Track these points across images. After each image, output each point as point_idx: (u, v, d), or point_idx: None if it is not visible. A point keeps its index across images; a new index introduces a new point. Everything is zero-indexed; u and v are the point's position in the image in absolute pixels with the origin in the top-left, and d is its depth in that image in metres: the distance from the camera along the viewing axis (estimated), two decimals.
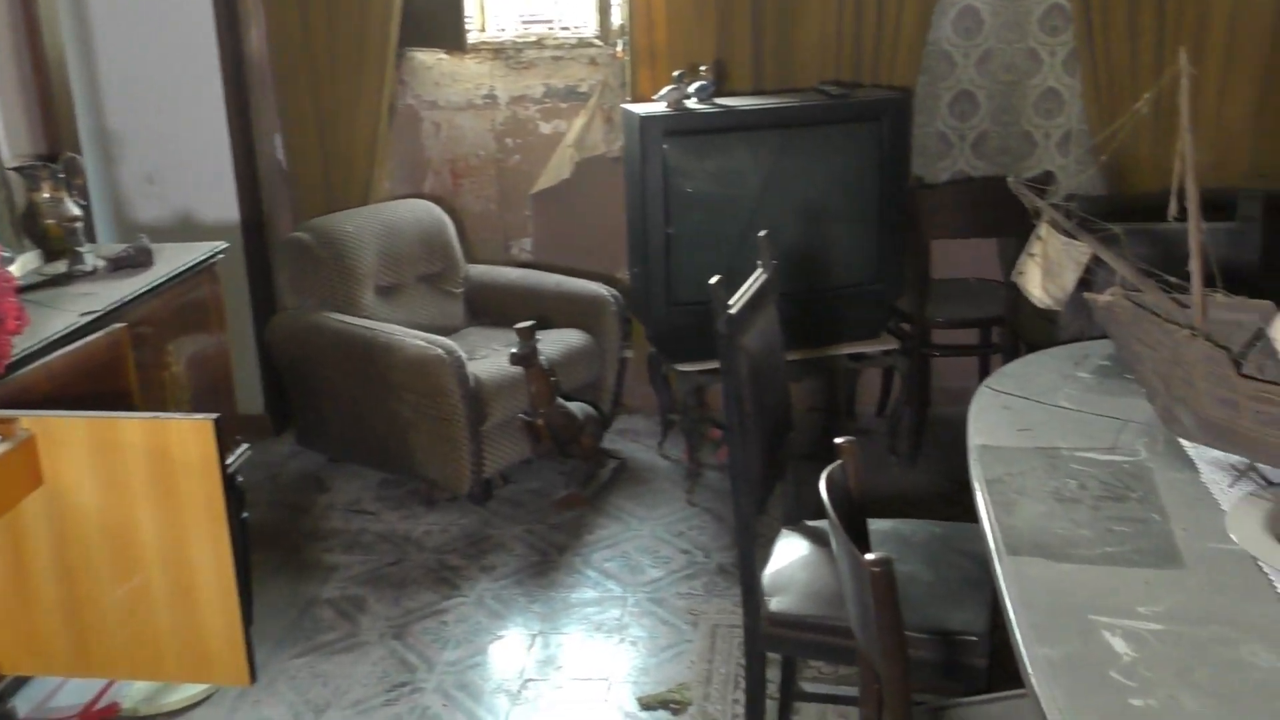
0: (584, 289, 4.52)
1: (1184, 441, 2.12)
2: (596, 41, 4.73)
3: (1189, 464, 2.07)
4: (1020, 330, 4.17)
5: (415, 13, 4.57)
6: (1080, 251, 2.19)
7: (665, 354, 4.26)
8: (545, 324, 4.22)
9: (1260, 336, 1.99)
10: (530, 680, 3.20)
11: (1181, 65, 1.94)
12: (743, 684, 3.03)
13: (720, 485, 4.27)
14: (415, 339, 3.95)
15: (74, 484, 2.14)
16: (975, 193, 4.44)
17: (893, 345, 4.30)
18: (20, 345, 2.66)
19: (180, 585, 2.16)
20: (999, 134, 4.61)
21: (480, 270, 4.72)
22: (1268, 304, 2.00)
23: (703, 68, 4.20)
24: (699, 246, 4.04)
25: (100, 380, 2.71)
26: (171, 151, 4.47)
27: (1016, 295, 3.62)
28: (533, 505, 4.19)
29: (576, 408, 4.13)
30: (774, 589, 2.49)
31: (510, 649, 3.35)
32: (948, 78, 4.57)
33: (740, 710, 3.00)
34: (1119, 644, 1.55)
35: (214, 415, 2.03)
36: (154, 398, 3.20)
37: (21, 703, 2.98)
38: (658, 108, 4.08)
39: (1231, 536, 1.80)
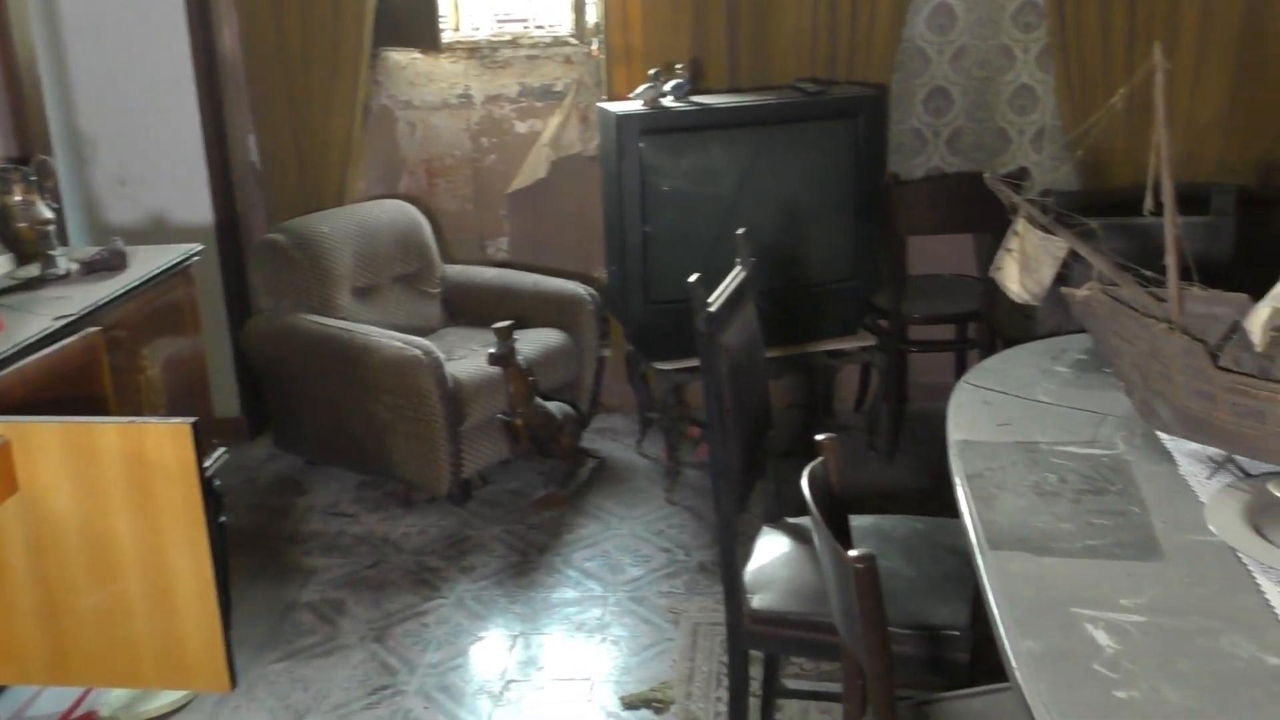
0: (561, 288, 4.51)
1: (1162, 434, 2.13)
2: (572, 40, 4.72)
3: (1167, 457, 2.08)
4: (997, 325, 4.18)
5: (389, 12, 4.55)
6: (1057, 246, 2.20)
7: (643, 352, 4.26)
8: (522, 324, 4.21)
9: (1236, 329, 2.00)
10: (512, 681, 3.19)
11: (1156, 60, 1.95)
12: (725, 682, 3.03)
13: (699, 483, 4.28)
14: (393, 340, 3.93)
15: (50, 490, 2.12)
16: (950, 189, 4.46)
17: (870, 341, 4.32)
18: None
19: (158, 591, 2.14)
20: (973, 130, 4.63)
21: (457, 270, 4.71)
22: (1243, 297, 2.01)
23: (678, 66, 4.20)
24: (676, 245, 4.04)
25: (75, 385, 2.68)
26: (144, 153, 4.43)
27: (992, 290, 3.63)
28: (512, 505, 4.18)
29: (555, 407, 4.12)
30: (756, 586, 2.50)
31: (491, 650, 3.34)
32: (922, 74, 4.59)
33: (723, 708, 3.00)
34: (1101, 636, 1.55)
35: (192, 419, 2.02)
36: (129, 402, 3.18)
37: None
38: (634, 106, 4.07)
39: (1210, 528, 1.81)
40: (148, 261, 3.49)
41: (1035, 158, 4.61)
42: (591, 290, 4.49)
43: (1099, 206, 2.69)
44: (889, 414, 4.41)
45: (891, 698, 1.72)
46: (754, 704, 2.77)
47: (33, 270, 3.38)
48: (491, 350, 3.92)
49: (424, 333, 4.31)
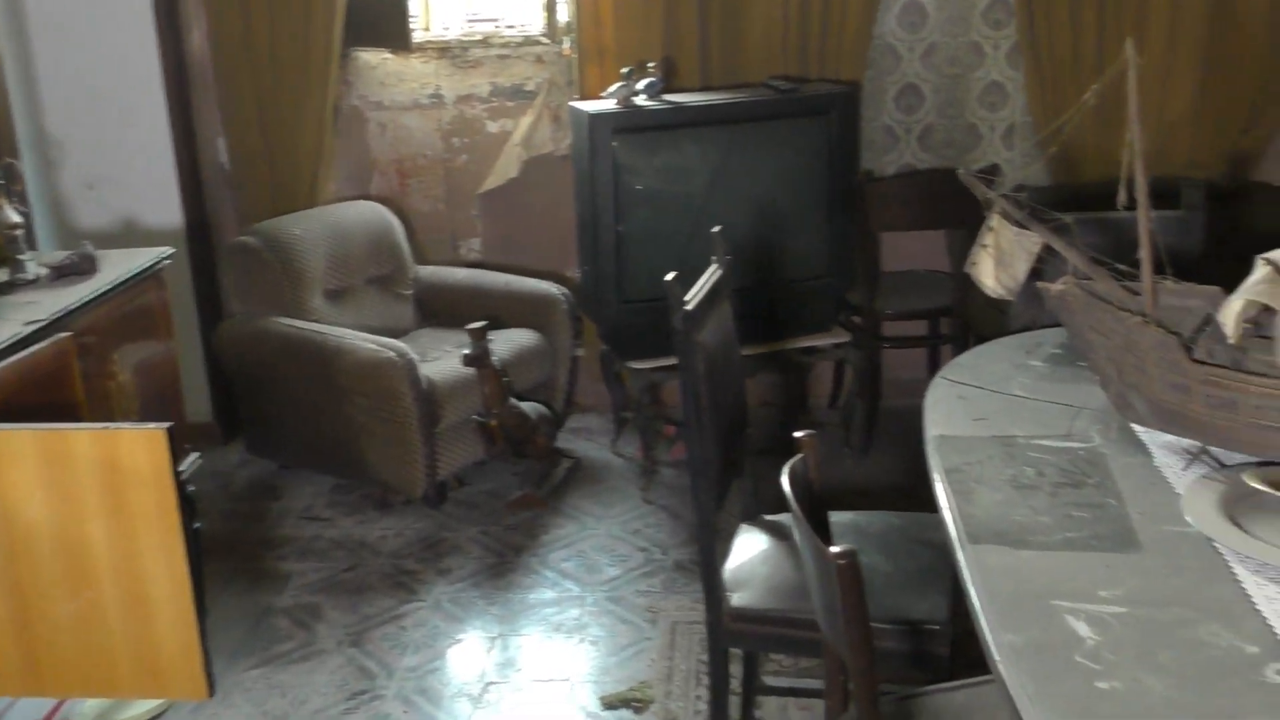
0: (534, 288, 4.50)
1: (1137, 427, 2.15)
2: (543, 39, 4.71)
3: (1142, 449, 2.10)
4: (970, 320, 4.21)
5: (359, 12, 4.52)
6: (1032, 241, 2.21)
7: (618, 351, 4.26)
8: (496, 324, 4.19)
9: (1209, 321, 2.01)
10: (491, 683, 3.18)
11: (1129, 56, 1.96)
12: (704, 680, 3.05)
13: (675, 482, 4.27)
14: (366, 342, 3.91)
15: (22, 498, 2.09)
16: (922, 185, 4.48)
17: (844, 338, 4.32)
18: None
19: (134, 598, 2.12)
20: (944, 127, 4.65)
21: (429, 271, 4.69)
22: (1215, 289, 2.03)
23: (651, 65, 4.19)
24: (649, 243, 4.04)
25: (46, 391, 2.65)
26: (112, 156, 4.39)
27: (965, 286, 3.65)
28: (488, 507, 4.17)
29: (530, 408, 4.11)
30: (735, 584, 2.50)
31: (470, 652, 3.33)
32: (893, 71, 4.60)
33: (702, 706, 3.00)
34: (1082, 628, 1.56)
35: (166, 424, 2.00)
36: (100, 408, 3.14)
37: None
38: (607, 105, 4.07)
39: (1187, 519, 1.82)
40: (118, 265, 3.45)
41: (1006, 154, 4.64)
42: (565, 290, 4.48)
43: (1070, 202, 2.70)
44: (863, 410, 4.42)
45: (874, 692, 1.73)
46: (734, 702, 2.77)
47: (1, 275, 3.34)
48: (466, 351, 3.91)
49: (397, 334, 4.29)
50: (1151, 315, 2.01)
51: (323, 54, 4.44)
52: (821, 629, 1.93)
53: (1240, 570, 1.69)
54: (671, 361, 3.93)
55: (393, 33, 4.58)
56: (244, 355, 4.23)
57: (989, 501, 1.94)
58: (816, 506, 1.95)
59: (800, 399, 4.83)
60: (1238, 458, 1.97)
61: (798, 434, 2.07)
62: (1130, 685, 1.45)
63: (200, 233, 4.60)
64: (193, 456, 3.42)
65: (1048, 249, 2.20)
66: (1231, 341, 1.95)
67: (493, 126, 4.74)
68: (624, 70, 4.11)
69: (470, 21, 4.76)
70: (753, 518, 2.77)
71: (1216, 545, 1.76)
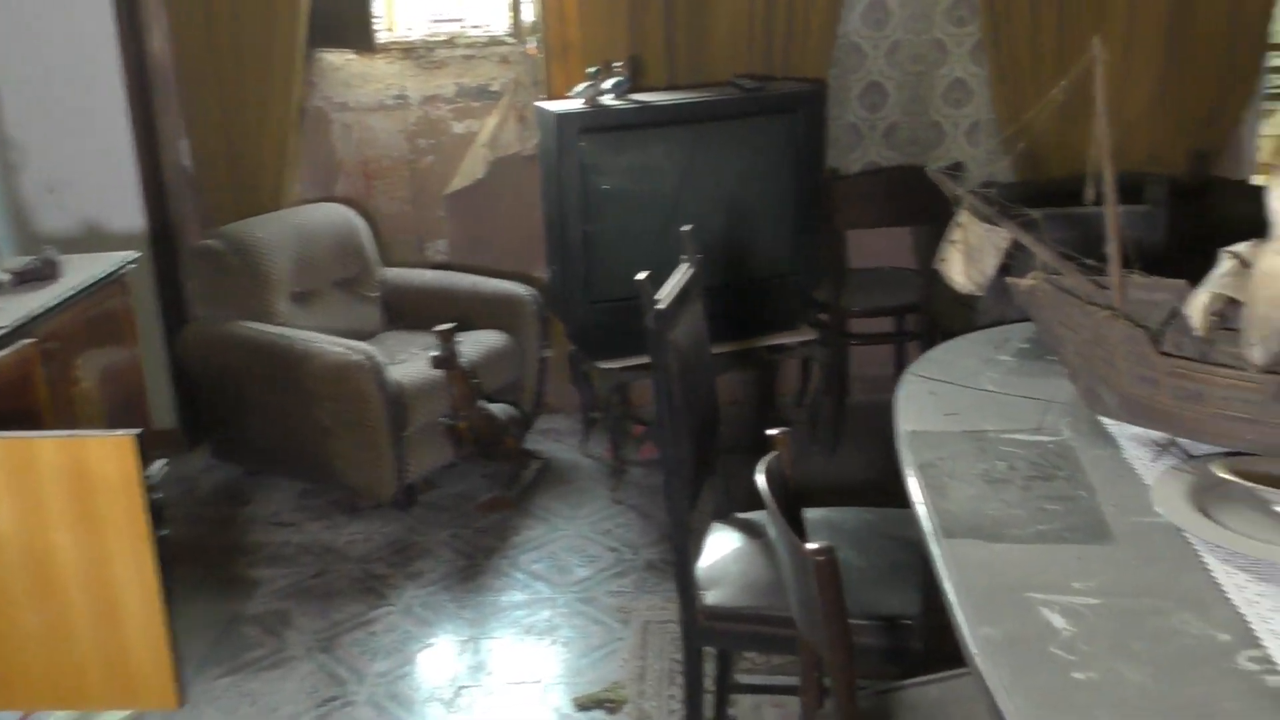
0: (502, 289, 4.49)
1: (1105, 420, 2.16)
2: (508, 39, 4.70)
3: (1111, 441, 2.11)
4: (937, 317, 4.23)
5: (323, 13, 4.49)
6: (1000, 237, 2.23)
7: (586, 352, 4.25)
8: (464, 326, 4.17)
9: (1176, 315, 2.03)
10: (464, 687, 3.16)
11: (1095, 52, 1.98)
12: (677, 679, 3.05)
13: (644, 482, 4.27)
14: (334, 345, 3.88)
15: None
16: (887, 182, 4.51)
17: (811, 336, 4.33)
18: None
19: (103, 607, 2.09)
20: (909, 124, 4.68)
21: (396, 273, 4.66)
22: (1182, 283, 2.05)
23: (617, 64, 4.19)
24: (617, 243, 4.04)
25: (8, 398, 2.61)
26: (73, 159, 4.33)
27: (931, 282, 3.68)
28: (457, 509, 4.15)
29: (498, 409, 4.10)
30: (709, 583, 2.50)
31: (441, 656, 3.31)
32: (858, 69, 4.63)
33: (676, 705, 3.00)
34: (1057, 620, 1.57)
35: (135, 431, 1.98)
36: (64, 415, 3.11)
37: None
38: (573, 105, 4.06)
39: (1157, 510, 1.84)
40: (82, 270, 3.41)
41: (970, 151, 4.67)
42: (532, 290, 4.47)
43: (1036, 197, 2.72)
44: (830, 407, 4.44)
45: (853, 688, 1.73)
46: (707, 700, 2.76)
47: None
48: (434, 353, 3.89)
49: (364, 337, 4.26)
50: (1119, 309, 2.03)
51: (286, 55, 4.40)
52: (798, 626, 1.93)
53: (1210, 559, 1.71)
54: (640, 361, 3.95)
55: (357, 33, 4.55)
56: (209, 360, 4.19)
57: (962, 496, 1.95)
58: (792, 503, 1.95)
59: (768, 397, 4.84)
60: (1205, 448, 1.99)
61: (771, 431, 2.07)
62: (1106, 675, 1.46)
63: (163, 236, 4.54)
64: (160, 463, 3.37)
65: (1016, 244, 2.22)
66: (1198, 334, 1.97)
67: (458, 127, 4.72)
68: (590, 69, 4.10)
69: (434, 22, 4.74)
70: (724, 516, 2.77)
71: (1186, 535, 1.77)
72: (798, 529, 1.80)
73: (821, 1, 4.39)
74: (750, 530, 2.67)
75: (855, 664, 1.74)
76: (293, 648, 3.36)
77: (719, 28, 4.42)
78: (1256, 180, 4.54)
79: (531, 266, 4.74)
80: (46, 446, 2.03)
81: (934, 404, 2.34)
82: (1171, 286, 2.07)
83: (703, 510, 2.89)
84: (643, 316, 2.38)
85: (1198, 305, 1.96)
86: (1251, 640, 1.51)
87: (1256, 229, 1.90)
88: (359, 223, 4.58)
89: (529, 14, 4.63)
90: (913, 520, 1.94)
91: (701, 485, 2.62)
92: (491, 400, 4.11)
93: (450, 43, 4.70)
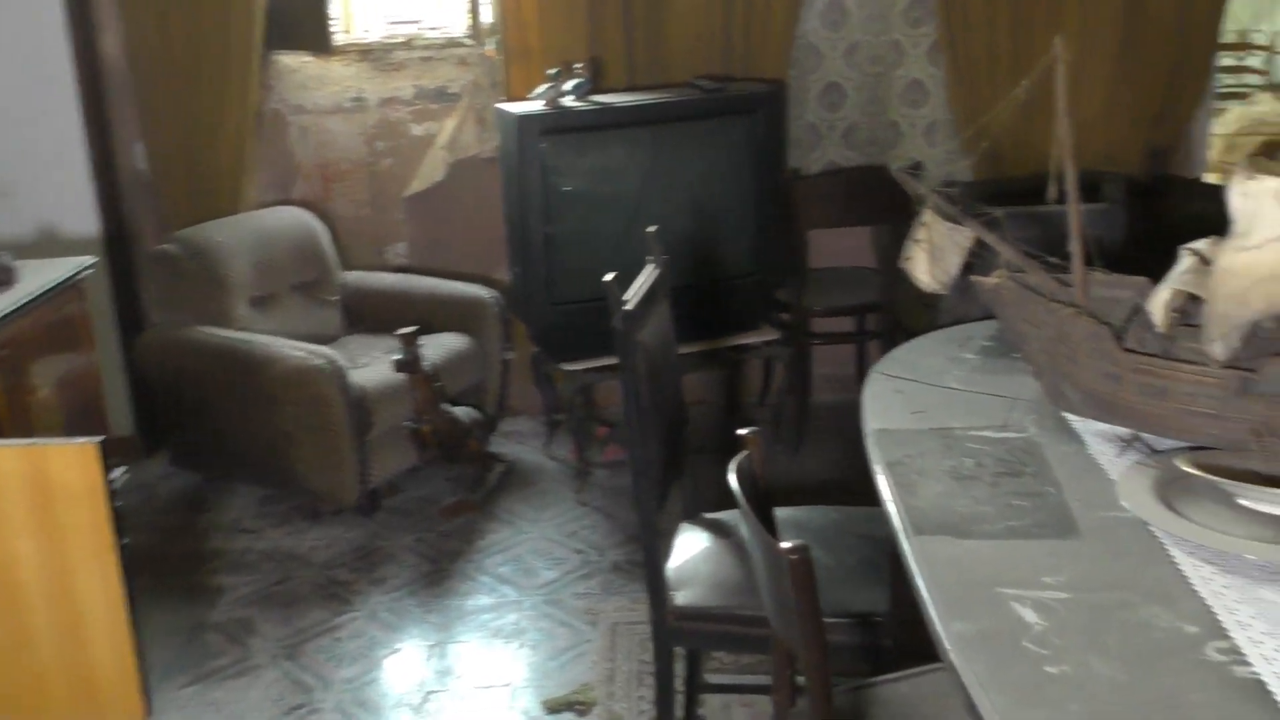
0: (463, 292, 4.47)
1: (1070, 416, 2.18)
2: (466, 41, 4.68)
3: (1076, 437, 2.14)
4: (900, 316, 4.26)
5: (278, 14, 4.45)
6: (964, 236, 2.24)
7: (549, 353, 4.24)
8: (426, 329, 4.15)
9: (1139, 311, 2.06)
10: (432, 692, 3.15)
11: (1057, 52, 2.00)
12: (646, 680, 3.05)
13: (609, 483, 4.27)
14: (294, 350, 3.85)
15: None
16: (848, 183, 4.54)
17: (773, 335, 4.35)
18: None
19: (66, 619, 2.06)
20: (867, 125, 4.71)
21: (356, 277, 4.63)
22: (1144, 280, 2.07)
23: (577, 65, 4.18)
24: (579, 245, 4.03)
25: None
26: (25, 162, 4.25)
27: (893, 282, 3.70)
28: (421, 514, 4.13)
29: (462, 412, 4.08)
30: (678, 583, 2.50)
31: (408, 661, 3.29)
32: (816, 70, 4.65)
33: (646, 706, 3.00)
34: (1029, 614, 1.59)
35: (99, 438, 1.95)
36: (21, 423, 3.06)
37: None
38: (534, 106, 4.05)
39: (1123, 504, 1.86)
40: (37, 276, 3.36)
41: (928, 151, 4.70)
42: (494, 293, 4.45)
43: (996, 196, 2.75)
44: (793, 406, 4.46)
45: (828, 686, 1.74)
46: (677, 701, 2.76)
47: None
48: (396, 357, 3.87)
49: (325, 341, 4.22)
50: (1083, 306, 2.05)
51: (242, 57, 4.36)
52: (772, 625, 1.93)
53: (1176, 552, 1.73)
54: (604, 362, 3.95)
55: (313, 35, 4.52)
56: (167, 366, 4.14)
57: (931, 493, 1.96)
58: (763, 503, 1.96)
59: (732, 397, 4.85)
60: (1169, 444, 2.01)
61: (741, 431, 2.08)
62: (1078, 669, 1.47)
63: (119, 240, 4.48)
64: (120, 470, 3.33)
65: (980, 243, 2.23)
66: (1161, 330, 2.00)
67: (417, 129, 4.69)
68: (551, 71, 4.09)
69: (392, 24, 4.71)
70: (693, 516, 2.77)
71: (1152, 529, 1.80)
72: (770, 528, 1.81)
73: (780, 3, 4.41)
74: (719, 530, 2.68)
75: (829, 661, 1.75)
76: (257, 655, 3.33)
77: (678, 29, 4.43)
78: (1209, 178, 4.62)
79: (492, 269, 4.73)
80: (6, 455, 1.99)
81: (900, 402, 2.35)
82: (1133, 284, 2.09)
83: (670, 511, 2.90)
84: (606, 318, 2.38)
85: (1159, 302, 1.98)
86: (1219, 631, 1.53)
87: (1211, 226, 1.93)
88: (318, 226, 4.54)
89: (487, 16, 4.61)
90: (878, 518, 1.95)
91: (670, 486, 2.62)
92: (454, 403, 4.09)
93: (408, 45, 4.67)
